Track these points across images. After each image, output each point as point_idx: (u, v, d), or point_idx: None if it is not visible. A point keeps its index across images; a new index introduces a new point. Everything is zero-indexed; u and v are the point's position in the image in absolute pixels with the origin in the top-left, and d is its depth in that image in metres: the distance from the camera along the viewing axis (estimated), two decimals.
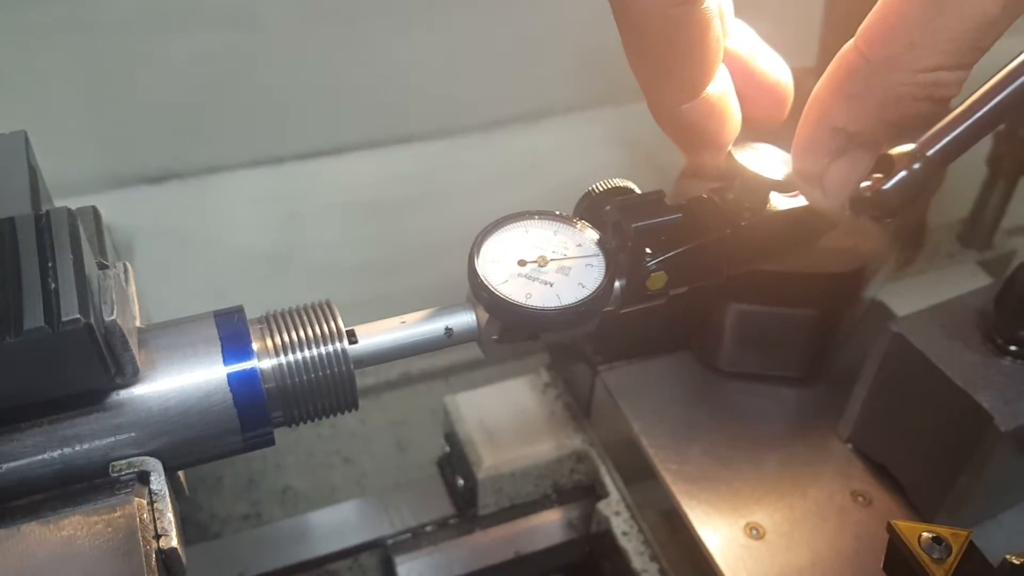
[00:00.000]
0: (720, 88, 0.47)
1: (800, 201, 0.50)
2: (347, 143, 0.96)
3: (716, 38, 0.45)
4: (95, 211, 0.50)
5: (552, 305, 0.45)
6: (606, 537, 0.81)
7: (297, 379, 0.45)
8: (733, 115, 0.48)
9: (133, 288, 0.48)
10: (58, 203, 0.51)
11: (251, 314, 0.47)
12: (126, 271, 0.48)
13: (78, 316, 0.37)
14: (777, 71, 0.49)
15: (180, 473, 0.48)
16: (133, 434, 0.42)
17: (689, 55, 0.44)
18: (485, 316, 0.47)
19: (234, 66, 0.86)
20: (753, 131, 0.50)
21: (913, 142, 0.52)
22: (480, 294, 0.46)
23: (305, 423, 0.47)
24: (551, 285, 0.46)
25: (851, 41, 0.41)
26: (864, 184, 0.52)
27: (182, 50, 0.83)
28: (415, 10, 0.89)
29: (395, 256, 1.02)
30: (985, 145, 0.87)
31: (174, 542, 0.41)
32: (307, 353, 0.45)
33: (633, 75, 0.46)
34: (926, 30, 0.37)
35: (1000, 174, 0.96)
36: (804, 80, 0.48)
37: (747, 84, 0.49)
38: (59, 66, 0.80)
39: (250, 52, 0.85)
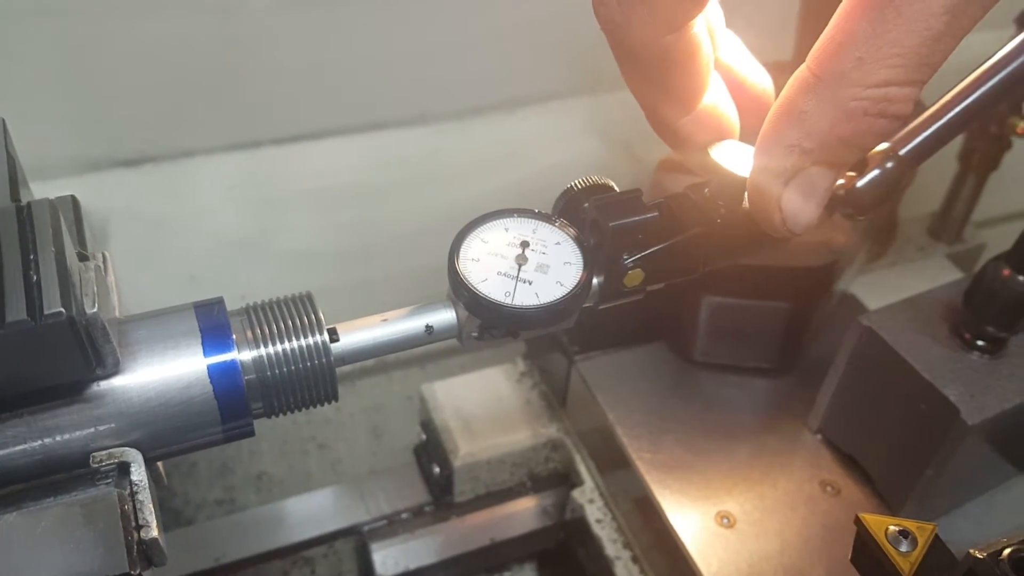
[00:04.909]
0: (713, 98, 0.49)
1: None
2: (324, 128, 0.96)
3: (706, 56, 0.47)
4: (74, 200, 0.50)
5: (531, 303, 0.46)
6: (580, 524, 0.82)
7: (277, 371, 0.45)
8: (728, 119, 0.50)
9: (112, 278, 0.48)
10: (33, 186, 0.51)
11: (226, 299, 0.47)
12: (105, 261, 0.48)
13: (60, 309, 0.38)
14: (762, 81, 0.51)
15: (159, 463, 0.48)
16: (113, 425, 0.43)
17: (682, 77, 0.47)
18: (465, 314, 0.47)
19: (209, 50, 0.85)
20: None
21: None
22: (460, 293, 0.47)
23: (285, 414, 0.47)
24: (530, 283, 0.47)
25: (803, 65, 0.41)
26: (838, 182, 0.53)
27: (157, 33, 0.82)
28: None
29: (371, 243, 1.01)
30: (956, 141, 0.88)
31: (154, 532, 0.41)
32: (287, 345, 0.46)
33: (602, 64, 0.47)
34: (873, 45, 0.38)
35: (971, 169, 0.98)
36: (781, 74, 0.49)
37: (734, 94, 0.51)
38: (33, 49, 0.79)
39: (226, 36, 0.85)
